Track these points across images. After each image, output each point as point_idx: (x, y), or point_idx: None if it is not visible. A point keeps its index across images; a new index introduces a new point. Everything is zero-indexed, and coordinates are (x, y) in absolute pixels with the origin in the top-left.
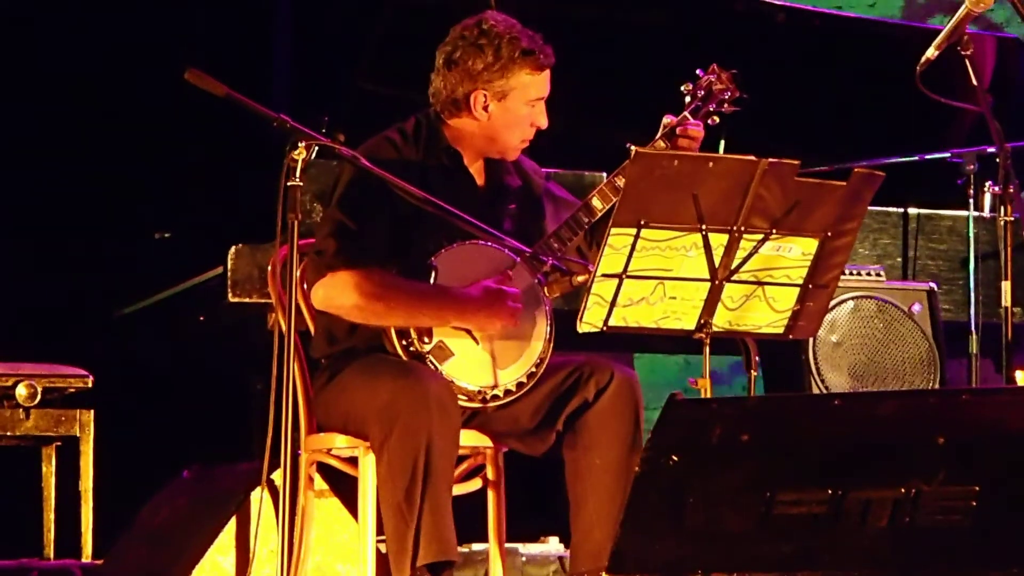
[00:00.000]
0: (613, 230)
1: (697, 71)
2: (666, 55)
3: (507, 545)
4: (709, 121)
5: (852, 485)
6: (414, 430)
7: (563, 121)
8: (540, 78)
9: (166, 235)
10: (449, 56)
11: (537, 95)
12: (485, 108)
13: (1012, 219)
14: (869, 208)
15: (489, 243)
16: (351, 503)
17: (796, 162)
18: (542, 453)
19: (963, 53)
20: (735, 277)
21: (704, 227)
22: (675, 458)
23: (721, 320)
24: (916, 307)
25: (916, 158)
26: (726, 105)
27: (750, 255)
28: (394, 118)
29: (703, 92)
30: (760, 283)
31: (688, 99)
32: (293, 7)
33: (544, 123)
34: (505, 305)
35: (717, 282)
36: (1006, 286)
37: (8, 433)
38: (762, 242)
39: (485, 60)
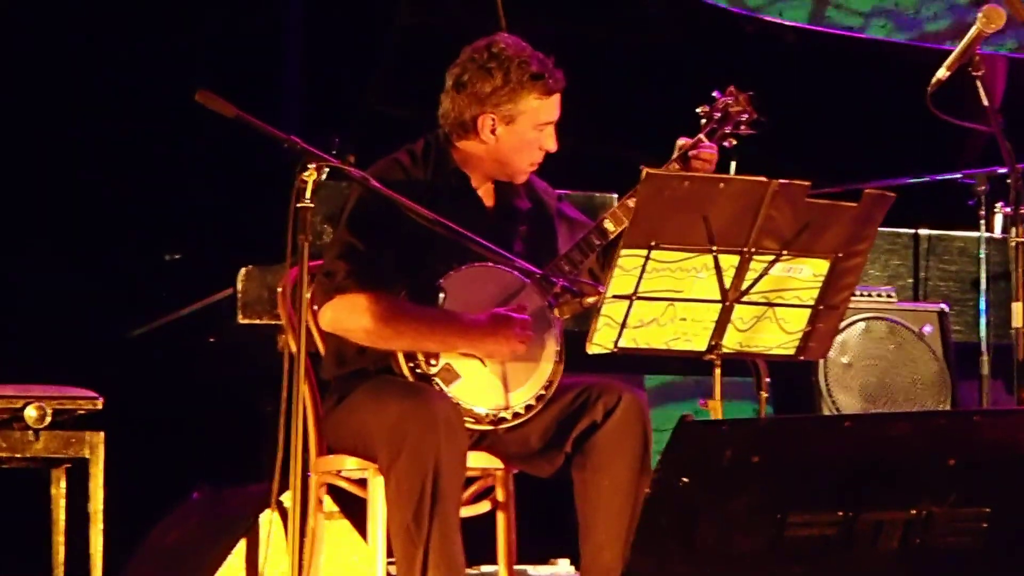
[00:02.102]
0: (623, 251)
1: (714, 93)
2: (677, 75)
3: (517, 567)
4: (726, 143)
5: (863, 507)
6: (422, 452)
7: (574, 142)
8: (549, 102)
9: (176, 257)
10: (458, 78)
11: (546, 119)
12: (493, 131)
13: (1023, 240)
14: (880, 229)
15: (498, 265)
16: (361, 525)
17: (807, 183)
18: (550, 475)
19: (974, 74)
20: (746, 298)
21: (715, 248)
22: (686, 480)
23: (732, 341)
24: (927, 328)
25: (927, 179)
26: (743, 127)
27: (761, 276)
28: (404, 139)
29: (720, 114)
30: (771, 304)
31: (704, 121)
32: (304, 28)
33: (553, 147)
34: (514, 332)
35: (728, 303)
36: (1017, 307)
37: (17, 455)
38: (773, 263)
39: (493, 83)
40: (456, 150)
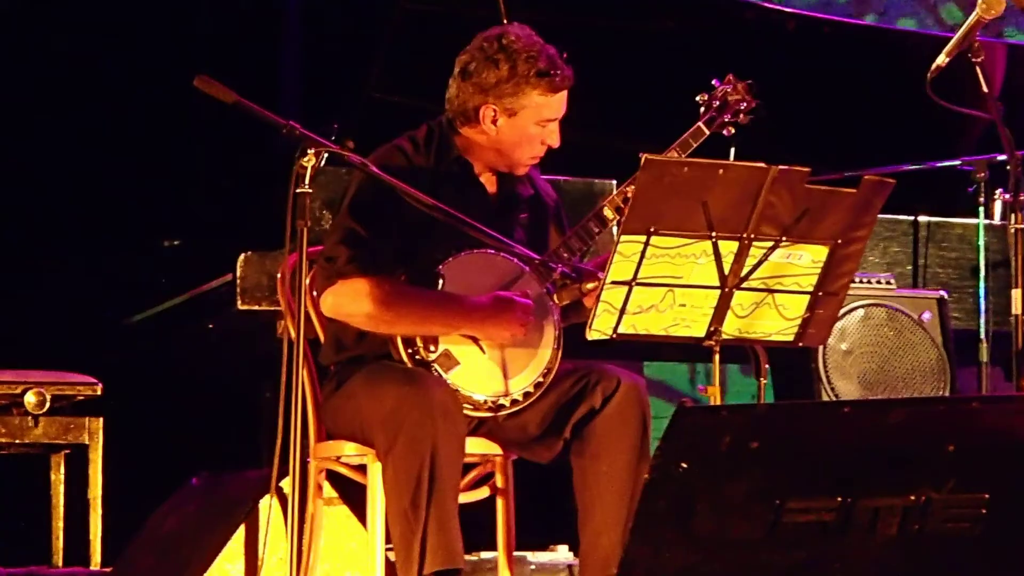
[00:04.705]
0: (623, 237)
1: (713, 81)
2: (677, 63)
3: (516, 553)
4: (724, 131)
5: (862, 493)
6: (419, 438)
7: (573, 129)
8: (554, 99)
9: (175, 243)
10: (465, 66)
11: (549, 116)
12: (494, 122)
13: (1022, 227)
14: (879, 216)
15: (498, 252)
16: (360, 511)
17: (806, 169)
18: (549, 461)
19: (974, 60)
20: (745, 285)
21: (714, 234)
22: (684, 466)
23: (731, 328)
24: (926, 315)
25: (926, 166)
26: (742, 116)
27: (760, 262)
28: (404, 127)
29: (718, 102)
30: (770, 291)
31: (703, 109)
32: (303, 14)
33: (556, 143)
34: (515, 315)
35: (727, 289)
36: (1016, 294)
37: (17, 441)
38: (772, 249)
39: (499, 75)
40: (459, 137)
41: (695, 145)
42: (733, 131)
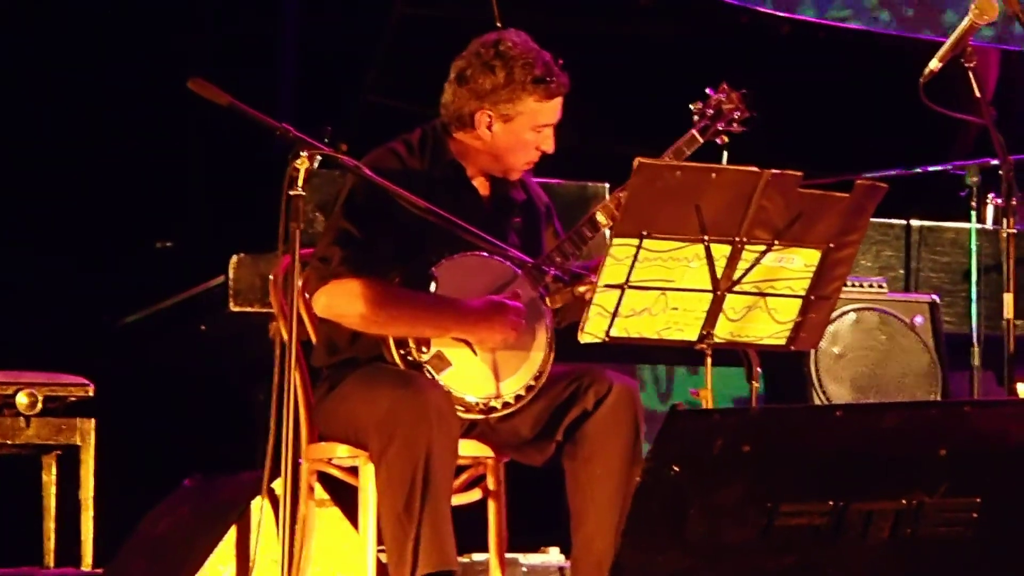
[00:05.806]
0: (615, 240)
1: (707, 90)
2: (671, 67)
3: (508, 555)
4: (717, 140)
5: (854, 497)
6: (413, 440)
7: (567, 132)
8: (549, 106)
9: (168, 244)
10: (461, 71)
11: (544, 122)
12: (489, 128)
13: (1014, 231)
14: (872, 220)
15: (491, 254)
16: (352, 513)
17: (799, 173)
18: (542, 463)
19: (967, 65)
20: (737, 288)
21: (706, 238)
22: (676, 469)
23: (723, 331)
24: (918, 319)
25: (919, 170)
26: (735, 124)
27: (752, 266)
28: (400, 131)
29: (712, 111)
30: (762, 294)
31: (697, 117)
32: (299, 18)
33: (550, 148)
34: (507, 318)
35: (719, 293)
36: (1008, 298)
37: (8, 442)
38: (764, 253)
39: (495, 82)
40: (453, 141)
41: (688, 153)
42: (727, 140)
